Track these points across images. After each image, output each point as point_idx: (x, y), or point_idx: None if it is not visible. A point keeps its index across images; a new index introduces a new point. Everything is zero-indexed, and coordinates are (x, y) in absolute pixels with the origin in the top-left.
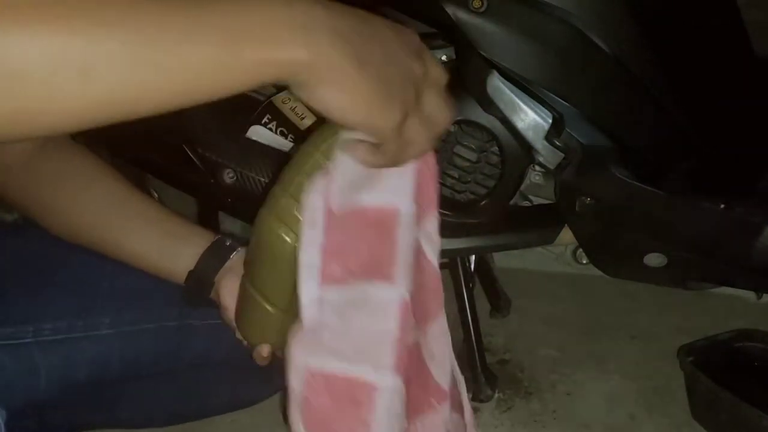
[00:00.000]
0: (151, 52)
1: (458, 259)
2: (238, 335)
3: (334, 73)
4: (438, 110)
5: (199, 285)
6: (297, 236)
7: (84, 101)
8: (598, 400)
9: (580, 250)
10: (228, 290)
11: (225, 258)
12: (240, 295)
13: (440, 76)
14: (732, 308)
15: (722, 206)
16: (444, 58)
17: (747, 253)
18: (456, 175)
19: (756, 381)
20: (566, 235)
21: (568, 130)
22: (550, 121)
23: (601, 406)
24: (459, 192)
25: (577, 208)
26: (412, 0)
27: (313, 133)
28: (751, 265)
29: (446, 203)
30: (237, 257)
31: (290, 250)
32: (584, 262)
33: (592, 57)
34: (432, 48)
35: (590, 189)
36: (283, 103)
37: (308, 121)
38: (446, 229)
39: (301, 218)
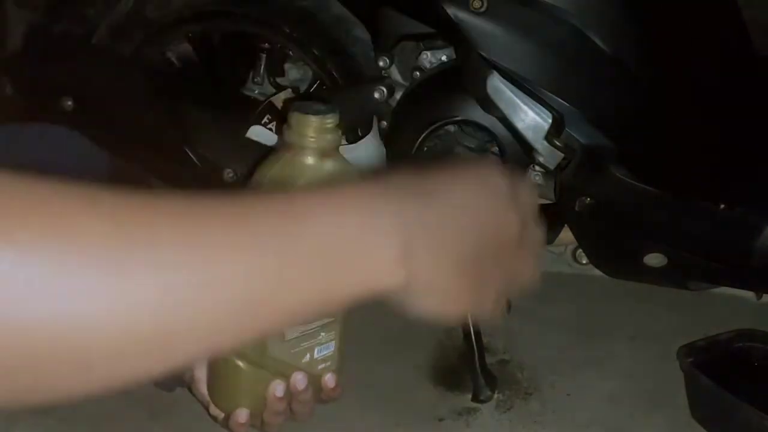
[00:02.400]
0: (245, 302)
1: None
2: (212, 410)
3: (432, 290)
4: (524, 271)
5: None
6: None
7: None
8: (598, 400)
9: (580, 250)
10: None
11: None
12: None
13: (538, 238)
14: (732, 308)
15: (722, 206)
16: (444, 58)
17: (747, 253)
18: None
19: (756, 381)
20: (566, 235)
21: (568, 130)
22: (550, 121)
23: (601, 406)
24: None
25: (577, 208)
26: (413, 0)
27: None
28: (751, 266)
29: None
30: None
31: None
32: (584, 262)
33: (592, 57)
34: (432, 48)
35: (590, 189)
36: (282, 103)
37: None
38: None
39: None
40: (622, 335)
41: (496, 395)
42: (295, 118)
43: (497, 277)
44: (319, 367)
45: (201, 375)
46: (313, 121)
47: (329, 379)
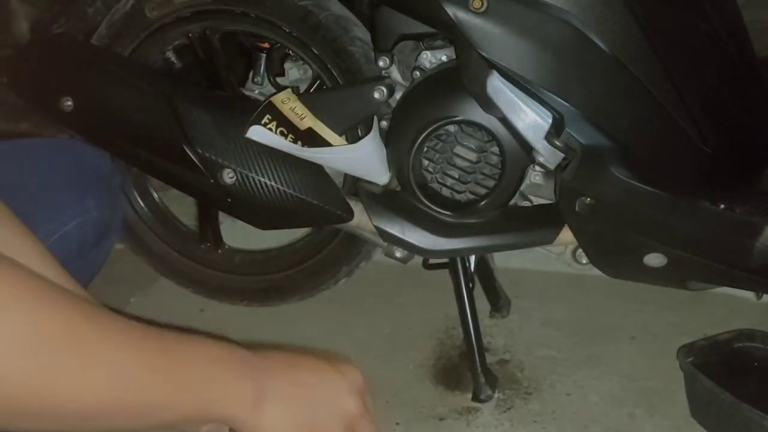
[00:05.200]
0: (139, 388)
1: (458, 259)
2: None
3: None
4: None
5: None
6: None
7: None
8: (598, 400)
9: (580, 250)
10: None
11: None
12: None
13: (371, 410)
14: (732, 308)
15: (722, 206)
16: (444, 58)
17: (747, 253)
18: (456, 175)
19: (756, 381)
20: (566, 235)
21: (568, 130)
22: (550, 121)
23: (601, 406)
24: (459, 192)
25: (577, 208)
26: (413, 0)
27: None
28: (751, 266)
29: (446, 203)
30: None
31: None
32: (584, 262)
33: (592, 57)
34: (432, 48)
35: (590, 189)
36: (282, 103)
37: (308, 121)
38: (446, 229)
39: None
40: (622, 335)
41: (496, 395)
42: None
43: None
44: None
45: None
46: None
47: None
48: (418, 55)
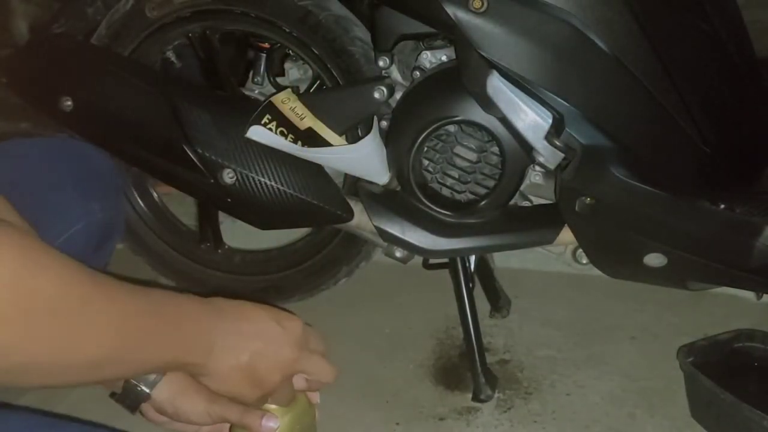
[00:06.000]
0: (123, 340)
1: (458, 259)
2: None
3: (219, 374)
4: (321, 370)
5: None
6: None
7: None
8: (598, 400)
9: (580, 250)
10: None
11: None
12: None
13: (319, 345)
14: (732, 308)
15: (722, 206)
16: (444, 58)
17: (747, 253)
18: (456, 175)
19: (756, 381)
20: (566, 235)
21: (568, 130)
22: (550, 121)
23: (601, 406)
24: (459, 192)
25: (577, 208)
26: (413, 0)
27: None
28: (751, 266)
29: (446, 203)
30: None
31: None
32: (584, 262)
33: (592, 57)
34: (432, 48)
35: (590, 189)
36: (282, 103)
37: (308, 121)
38: (446, 229)
39: None
40: (622, 335)
41: (496, 395)
42: None
43: (265, 384)
44: None
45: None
46: None
47: None
48: (418, 55)
